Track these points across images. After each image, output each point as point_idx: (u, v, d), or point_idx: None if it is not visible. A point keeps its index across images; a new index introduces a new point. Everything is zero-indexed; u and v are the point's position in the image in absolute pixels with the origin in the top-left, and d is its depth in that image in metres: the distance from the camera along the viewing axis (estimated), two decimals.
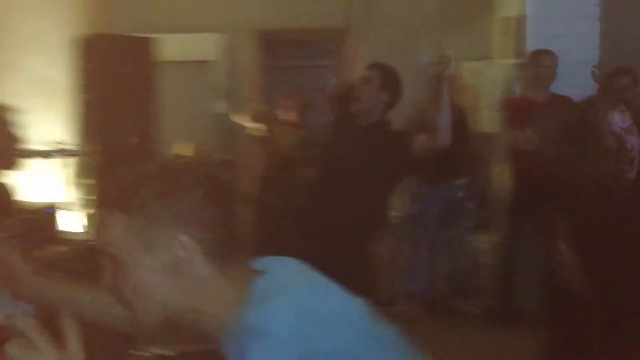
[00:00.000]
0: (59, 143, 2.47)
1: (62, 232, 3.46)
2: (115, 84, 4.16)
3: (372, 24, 5.89)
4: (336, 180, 3.04)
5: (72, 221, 4.05)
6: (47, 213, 3.01)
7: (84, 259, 2.48)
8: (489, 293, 4.39)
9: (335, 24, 6.09)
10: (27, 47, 4.02)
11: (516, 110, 4.09)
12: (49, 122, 4.26)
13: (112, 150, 3.94)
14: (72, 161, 4.22)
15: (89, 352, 0.96)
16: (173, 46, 5.18)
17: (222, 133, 5.54)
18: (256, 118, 4.65)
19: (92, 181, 4.23)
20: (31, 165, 3.58)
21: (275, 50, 6.69)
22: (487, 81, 5.22)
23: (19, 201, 2.62)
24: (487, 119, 4.89)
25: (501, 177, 4.54)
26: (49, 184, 3.59)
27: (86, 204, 4.32)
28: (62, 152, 2.48)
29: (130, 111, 4.23)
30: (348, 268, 2.13)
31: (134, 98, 4.24)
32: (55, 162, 2.57)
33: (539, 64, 4.14)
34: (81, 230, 4.17)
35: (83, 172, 4.36)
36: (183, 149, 4.27)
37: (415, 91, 5.62)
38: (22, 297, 1.81)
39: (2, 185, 2.47)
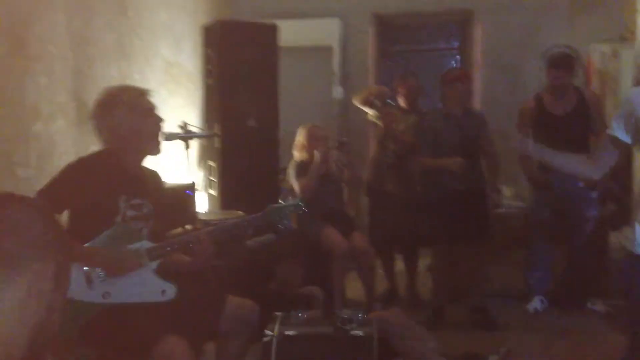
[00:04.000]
0: (185, 126, 2.56)
1: (198, 213, 3.62)
2: (237, 69, 4.29)
3: (497, 6, 5.70)
4: None
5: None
6: (186, 194, 3.15)
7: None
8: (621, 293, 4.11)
9: (456, 6, 5.96)
10: (160, 35, 4.24)
11: None
12: (177, 106, 4.49)
13: (233, 133, 4.07)
14: (196, 144, 4.43)
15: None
16: (292, 32, 5.26)
17: (340, 117, 5.57)
18: (369, 99, 4.61)
19: (213, 163, 4.40)
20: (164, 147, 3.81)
21: (392, 34, 6.62)
22: (623, 64, 4.86)
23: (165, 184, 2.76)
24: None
25: None
26: (175, 167, 3.78)
27: (209, 185, 4.50)
28: (189, 135, 2.56)
29: (251, 96, 4.35)
30: None
31: (255, 83, 4.35)
32: (180, 145, 2.66)
33: None
34: (204, 211, 4.36)
35: (206, 154, 4.56)
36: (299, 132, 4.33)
37: (536, 75, 5.41)
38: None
39: (154, 172, 2.63)
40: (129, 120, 2.39)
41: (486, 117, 4.27)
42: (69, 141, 3.16)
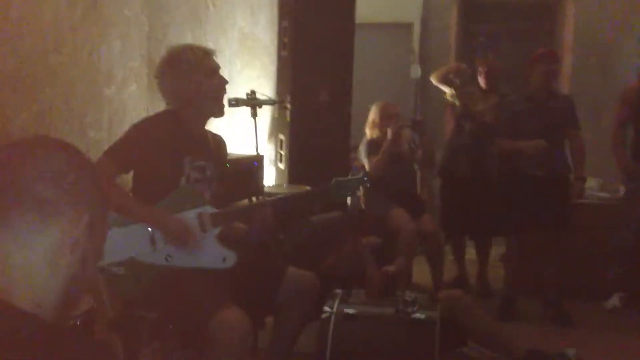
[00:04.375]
0: (253, 93, 2.49)
1: (263, 185, 3.59)
2: (312, 43, 4.22)
3: None
4: None
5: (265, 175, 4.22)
6: (253, 166, 3.11)
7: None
8: None
9: None
10: (236, 4, 4.21)
11: None
12: (252, 78, 4.46)
13: (304, 106, 4.01)
14: (267, 117, 4.41)
15: None
16: (372, 8, 5.12)
17: (417, 97, 5.39)
18: (447, 77, 4.41)
19: (284, 136, 4.36)
20: (234, 118, 3.80)
21: (478, 12, 6.33)
22: None
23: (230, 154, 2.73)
24: None
25: None
26: (244, 137, 3.76)
27: (278, 159, 4.47)
28: (256, 101, 2.49)
29: (325, 70, 4.26)
30: None
31: (329, 57, 4.26)
32: (247, 114, 2.58)
33: None
34: (271, 184, 4.34)
35: (277, 127, 4.52)
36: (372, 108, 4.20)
37: (631, 59, 5.03)
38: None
39: (217, 136, 2.60)
40: (191, 79, 2.35)
41: (575, 102, 4.00)
42: (141, 106, 3.18)
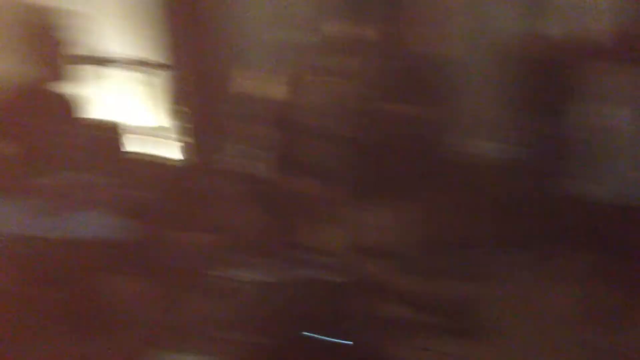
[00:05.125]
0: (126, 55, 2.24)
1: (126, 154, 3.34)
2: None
3: None
4: None
5: (167, 149, 4.00)
6: (111, 133, 2.89)
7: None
8: None
9: None
10: None
11: None
12: (133, 37, 4.11)
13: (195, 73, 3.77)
14: (158, 83, 4.10)
15: None
16: None
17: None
18: None
19: (182, 107, 4.11)
20: (113, 82, 3.47)
21: None
22: None
23: (83, 117, 2.55)
24: None
25: None
26: (134, 106, 3.47)
27: (180, 132, 4.22)
28: (100, 61, 2.25)
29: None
30: None
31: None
32: (138, 82, 2.32)
33: None
34: (176, 158, 4.09)
35: (175, 97, 4.24)
36: None
37: None
38: None
39: (61, 96, 2.38)
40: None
41: None
42: None
